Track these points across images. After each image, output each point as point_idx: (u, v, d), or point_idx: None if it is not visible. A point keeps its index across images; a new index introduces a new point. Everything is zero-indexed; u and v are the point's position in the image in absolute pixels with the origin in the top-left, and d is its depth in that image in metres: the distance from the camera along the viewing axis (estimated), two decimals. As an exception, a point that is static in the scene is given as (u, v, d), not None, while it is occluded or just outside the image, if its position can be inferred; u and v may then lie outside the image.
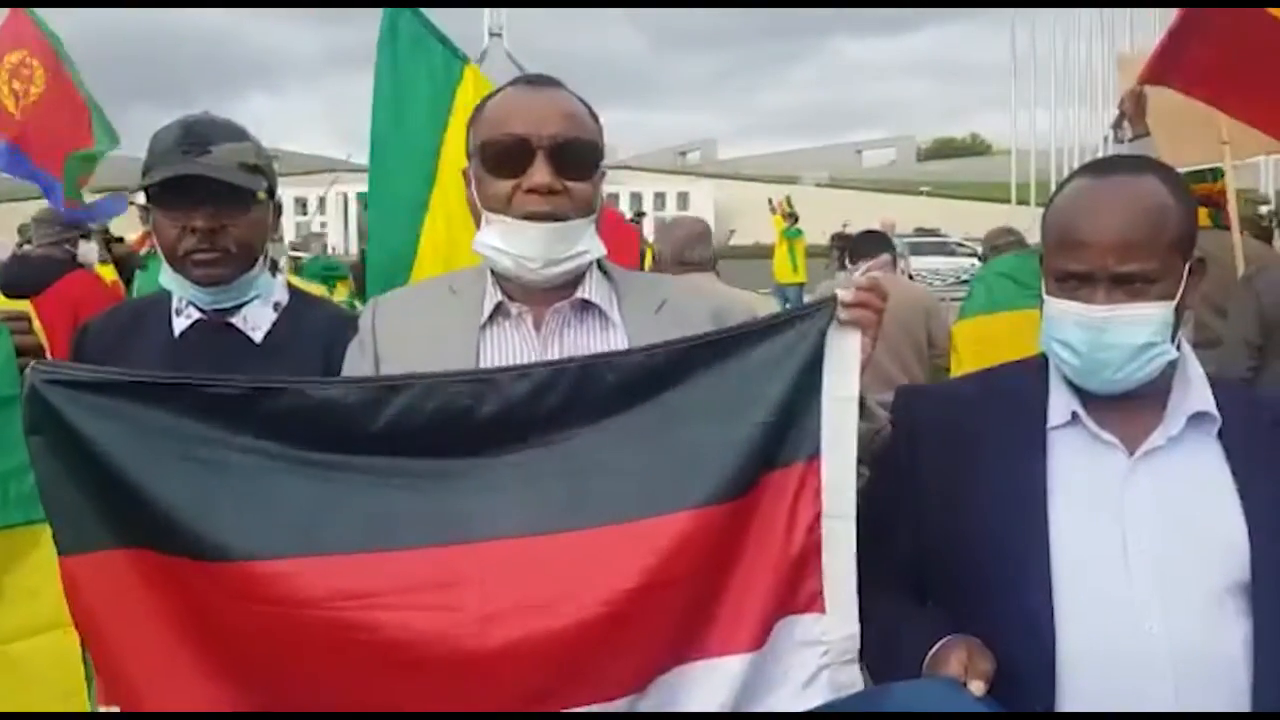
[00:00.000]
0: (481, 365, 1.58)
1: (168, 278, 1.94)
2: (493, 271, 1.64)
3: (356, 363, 1.67)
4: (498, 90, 1.71)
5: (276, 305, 2.00)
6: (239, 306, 1.96)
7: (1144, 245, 1.42)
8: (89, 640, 1.41)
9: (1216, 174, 4.23)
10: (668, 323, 1.60)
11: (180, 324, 1.95)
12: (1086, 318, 1.44)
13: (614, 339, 1.62)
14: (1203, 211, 3.85)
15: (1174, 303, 1.45)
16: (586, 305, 1.64)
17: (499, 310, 1.63)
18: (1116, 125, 4.00)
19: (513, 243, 1.57)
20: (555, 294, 1.62)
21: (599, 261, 1.67)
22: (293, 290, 2.08)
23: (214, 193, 1.87)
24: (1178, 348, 1.49)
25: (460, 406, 1.41)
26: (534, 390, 1.42)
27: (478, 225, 1.64)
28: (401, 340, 1.63)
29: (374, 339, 1.65)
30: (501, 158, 1.58)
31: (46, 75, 4.68)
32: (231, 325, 1.95)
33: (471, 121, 1.68)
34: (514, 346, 1.61)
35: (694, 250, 4.00)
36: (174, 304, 1.97)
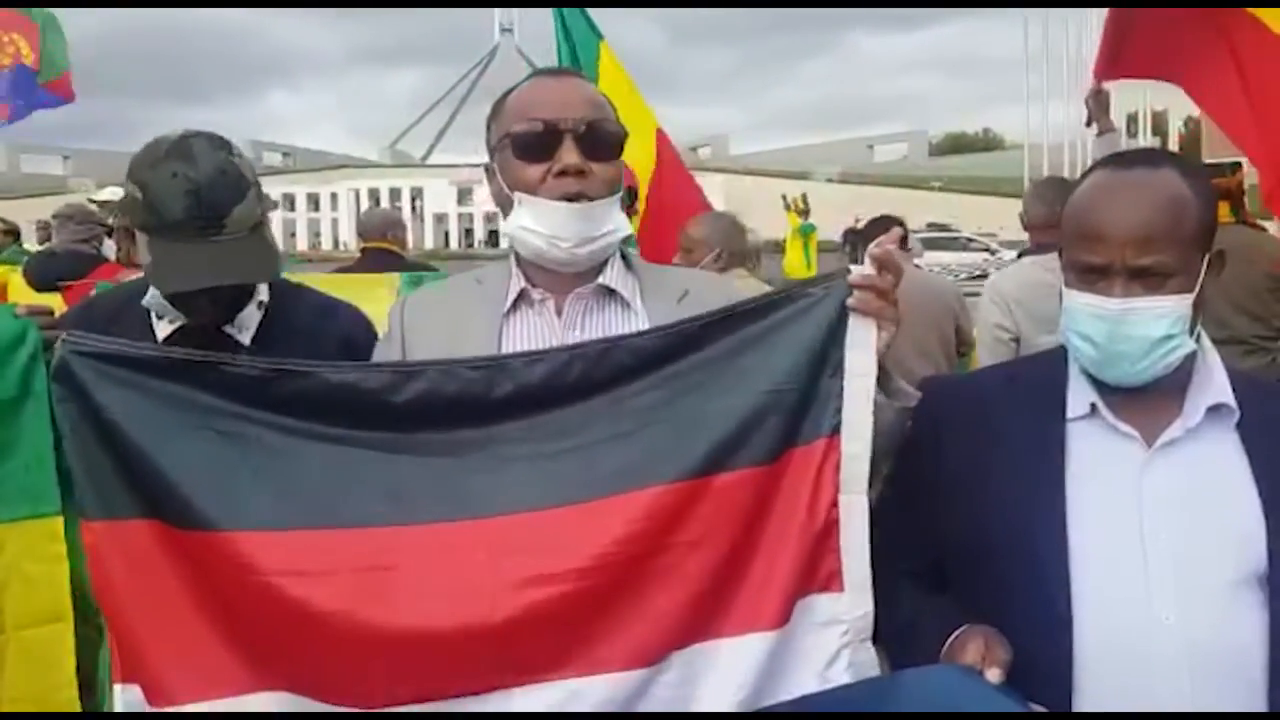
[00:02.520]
0: (504, 351, 1.61)
1: (154, 299, 1.87)
2: (518, 260, 1.67)
3: (384, 356, 1.71)
4: (518, 85, 1.74)
5: (260, 304, 1.95)
6: None
7: (1161, 239, 1.43)
8: (107, 608, 1.43)
9: (1236, 167, 4.19)
10: (689, 312, 1.61)
11: (163, 329, 1.90)
12: (1103, 310, 1.45)
13: (635, 326, 1.64)
14: (1224, 206, 3.83)
15: (1192, 296, 1.45)
16: (609, 292, 1.67)
17: (522, 297, 1.66)
18: (1088, 124, 4.02)
19: (545, 223, 1.60)
20: (578, 280, 1.65)
21: (621, 252, 1.70)
22: (273, 283, 2.00)
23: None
24: (1197, 340, 1.50)
25: (476, 387, 1.44)
26: (549, 372, 1.45)
27: (505, 216, 1.67)
28: (427, 332, 1.67)
29: (402, 333, 1.69)
30: (531, 144, 1.61)
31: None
32: (218, 329, 1.89)
33: (492, 116, 1.72)
34: (537, 332, 1.64)
35: (743, 242, 3.94)
36: (156, 305, 1.90)
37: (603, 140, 1.63)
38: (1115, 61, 3.67)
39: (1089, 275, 1.47)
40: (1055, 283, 4.49)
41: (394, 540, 1.39)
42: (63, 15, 5.55)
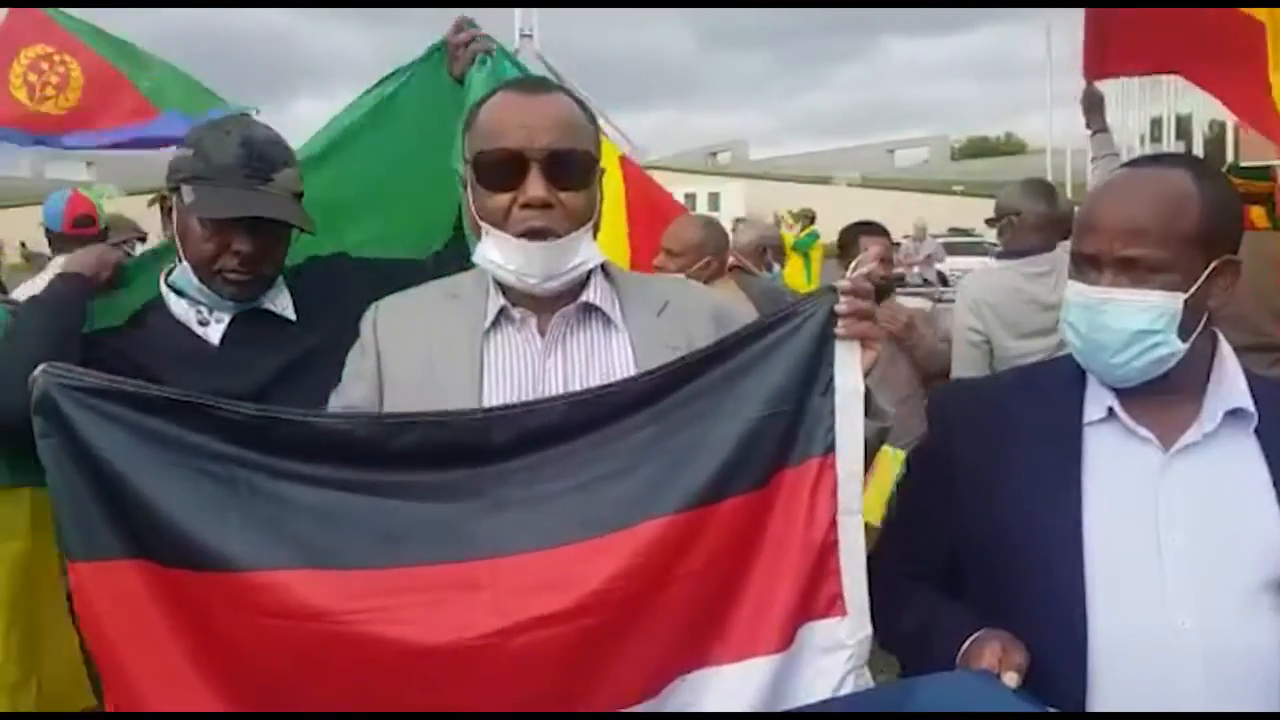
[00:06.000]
0: (486, 370, 1.58)
1: (187, 281, 1.96)
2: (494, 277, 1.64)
3: (358, 365, 1.66)
4: (490, 95, 1.67)
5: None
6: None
7: (1152, 232, 1.42)
8: (95, 649, 1.39)
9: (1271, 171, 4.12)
10: (670, 324, 1.61)
11: (216, 330, 1.97)
12: (1085, 298, 1.47)
13: (617, 342, 1.62)
14: (1260, 211, 3.77)
15: (1183, 295, 1.44)
16: (590, 309, 1.64)
17: (502, 315, 1.62)
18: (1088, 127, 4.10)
19: (512, 259, 1.56)
20: (558, 300, 1.61)
21: (602, 264, 1.67)
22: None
23: (266, 223, 1.91)
24: (1213, 344, 1.50)
25: (473, 432, 1.42)
26: (547, 417, 1.44)
27: (476, 235, 1.64)
28: (404, 343, 1.62)
29: (376, 342, 1.64)
30: (496, 171, 1.56)
31: (82, 65, 4.85)
32: (266, 311, 2.00)
33: (466, 127, 1.67)
34: (518, 351, 1.61)
35: (726, 253, 3.89)
36: (194, 314, 1.97)
37: (572, 168, 1.57)
38: (1104, 59, 3.67)
39: (1083, 265, 1.49)
40: (1026, 287, 4.56)
41: (394, 582, 1.36)
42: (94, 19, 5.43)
